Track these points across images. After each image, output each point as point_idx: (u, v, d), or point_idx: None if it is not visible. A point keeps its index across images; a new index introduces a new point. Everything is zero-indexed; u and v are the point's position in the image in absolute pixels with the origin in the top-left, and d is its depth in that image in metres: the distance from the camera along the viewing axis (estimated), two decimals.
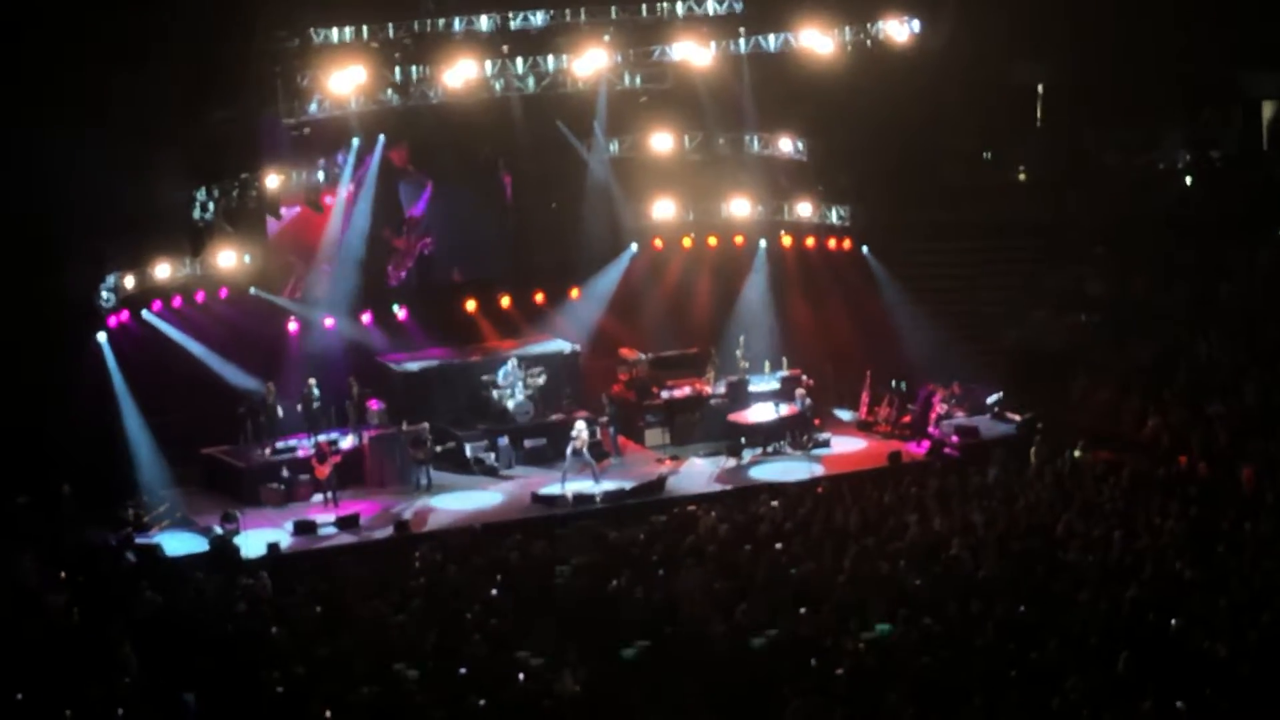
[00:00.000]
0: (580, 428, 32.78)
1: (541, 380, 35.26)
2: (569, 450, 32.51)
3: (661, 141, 38.59)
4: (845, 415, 36.70)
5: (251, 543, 29.41)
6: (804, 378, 35.77)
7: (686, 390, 35.93)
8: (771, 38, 35.75)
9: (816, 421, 35.15)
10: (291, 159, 34.79)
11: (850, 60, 35.89)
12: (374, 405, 34.68)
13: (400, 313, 37.17)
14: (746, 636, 21.56)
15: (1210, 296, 36.49)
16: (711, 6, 35.39)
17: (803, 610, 22.19)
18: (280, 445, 33.37)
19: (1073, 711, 18.58)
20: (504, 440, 34.31)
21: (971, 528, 25.92)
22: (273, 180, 34.89)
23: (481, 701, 20.04)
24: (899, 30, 35.51)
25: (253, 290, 35.20)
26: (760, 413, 34.94)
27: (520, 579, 25.28)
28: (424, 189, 37.60)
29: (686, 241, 39.54)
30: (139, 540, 29.44)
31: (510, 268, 38.73)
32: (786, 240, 39.48)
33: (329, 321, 35.92)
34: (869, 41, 35.76)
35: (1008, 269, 39.02)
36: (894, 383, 35.69)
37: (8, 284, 30.85)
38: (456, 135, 36.61)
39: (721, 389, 35.88)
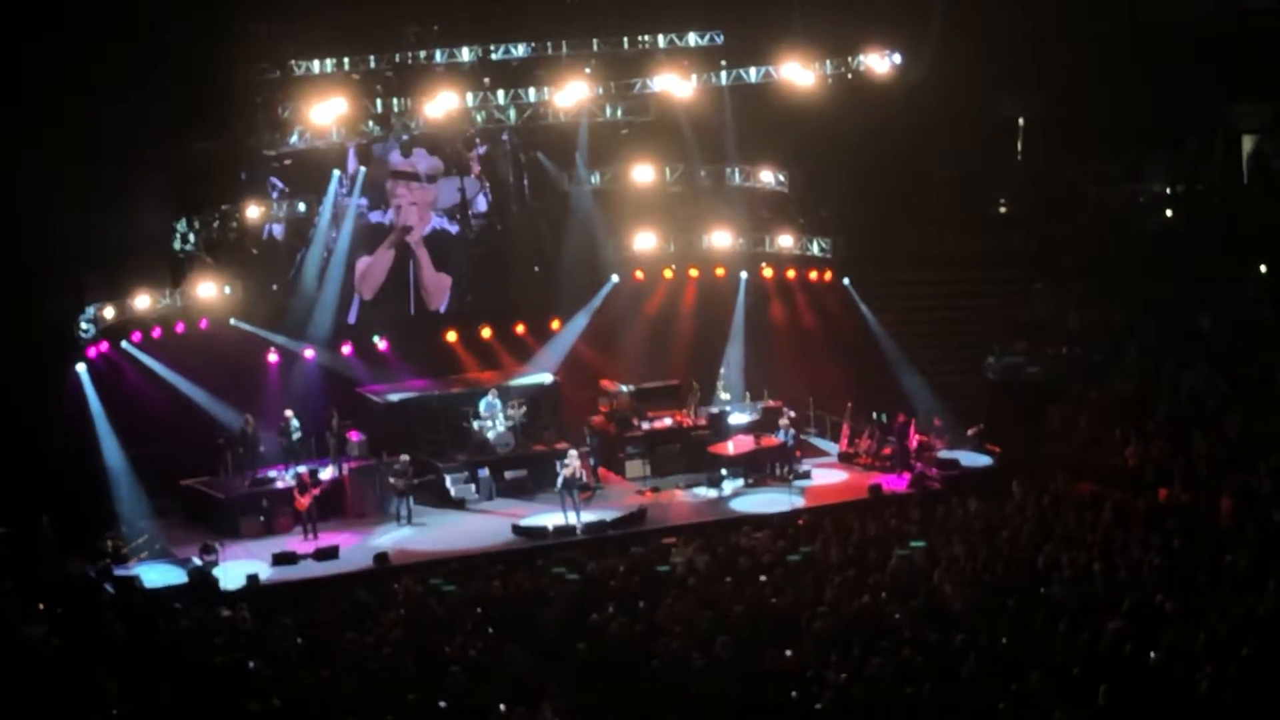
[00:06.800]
0: (572, 455, 32.73)
1: (522, 412, 35.21)
2: (560, 481, 32.44)
3: (643, 173, 38.60)
4: (826, 447, 36.66)
5: (231, 574, 29.29)
6: (785, 409, 35.73)
7: (667, 422, 35.88)
8: (752, 70, 35.84)
9: (798, 453, 35.14)
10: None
11: (831, 93, 35.97)
12: (354, 437, 34.59)
13: (381, 344, 37.11)
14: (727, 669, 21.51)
15: (1191, 328, 36.55)
16: (693, 39, 35.47)
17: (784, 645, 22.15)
18: (260, 476, 33.30)
19: None
20: (484, 472, 34.25)
21: (953, 560, 25.89)
22: (253, 211, 34.92)
23: None
24: (880, 63, 35.57)
25: (232, 321, 35.17)
26: (741, 444, 34.92)
27: (500, 610, 25.21)
28: None
29: (668, 273, 39.52)
30: (118, 572, 29.32)
31: (491, 299, 38.71)
32: (768, 272, 39.51)
33: (309, 353, 35.88)
34: (850, 74, 35.84)
35: (988, 301, 39.03)
36: (875, 415, 35.61)
37: None
38: None
39: (702, 421, 35.86)
